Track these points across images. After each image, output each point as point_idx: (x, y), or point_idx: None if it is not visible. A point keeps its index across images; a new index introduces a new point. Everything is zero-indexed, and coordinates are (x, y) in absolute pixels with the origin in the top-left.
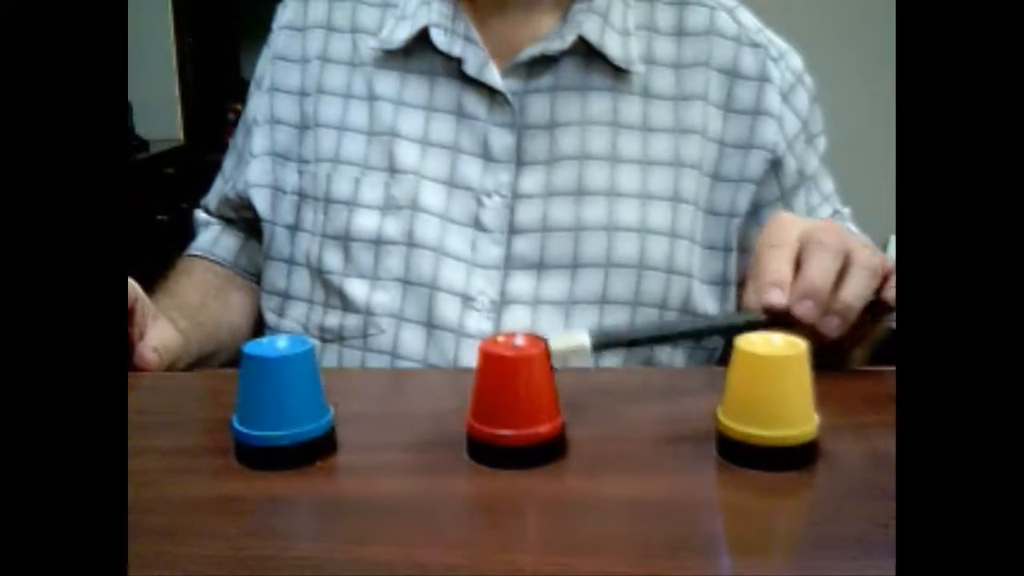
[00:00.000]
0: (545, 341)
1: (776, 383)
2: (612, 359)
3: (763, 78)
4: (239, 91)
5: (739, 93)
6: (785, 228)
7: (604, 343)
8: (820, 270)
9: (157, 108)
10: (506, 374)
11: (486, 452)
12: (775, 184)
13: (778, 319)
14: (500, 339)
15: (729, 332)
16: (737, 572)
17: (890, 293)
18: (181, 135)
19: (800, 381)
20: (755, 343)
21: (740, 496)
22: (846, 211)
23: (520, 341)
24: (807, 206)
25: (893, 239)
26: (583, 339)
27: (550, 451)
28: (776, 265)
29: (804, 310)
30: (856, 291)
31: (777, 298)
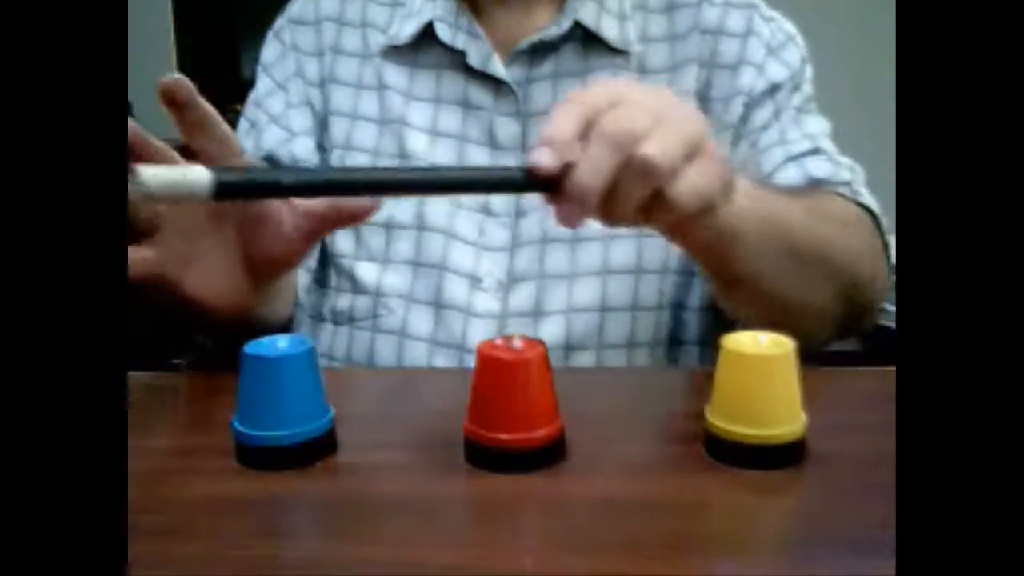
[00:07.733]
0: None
1: (763, 382)
2: (615, 361)
3: (749, 32)
4: (239, 91)
5: (723, 48)
6: (600, 89)
7: (233, 184)
8: (591, 166)
9: (157, 108)
10: (504, 378)
11: (484, 457)
12: (749, 123)
13: (539, 182)
14: (498, 342)
15: (469, 188)
16: (736, 572)
17: (675, 190)
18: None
19: (787, 380)
20: (742, 343)
21: (739, 496)
22: (845, 160)
23: (518, 344)
24: (780, 136)
25: (893, 239)
26: (200, 175)
27: (548, 455)
28: (560, 121)
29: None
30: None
31: (545, 160)
